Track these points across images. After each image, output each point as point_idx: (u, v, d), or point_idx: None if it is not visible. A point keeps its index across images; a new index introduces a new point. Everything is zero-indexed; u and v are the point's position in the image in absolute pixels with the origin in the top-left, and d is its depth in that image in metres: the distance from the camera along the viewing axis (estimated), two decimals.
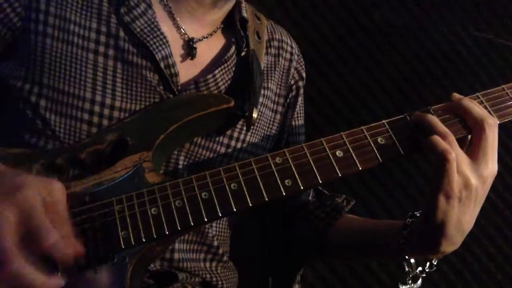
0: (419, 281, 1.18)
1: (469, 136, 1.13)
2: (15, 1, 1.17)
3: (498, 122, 1.13)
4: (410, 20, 2.23)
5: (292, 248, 1.46)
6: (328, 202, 1.43)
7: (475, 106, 1.12)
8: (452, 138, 1.08)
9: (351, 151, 1.10)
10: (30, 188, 0.88)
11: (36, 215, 0.86)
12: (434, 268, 1.17)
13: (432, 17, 2.24)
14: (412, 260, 1.17)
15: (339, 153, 1.10)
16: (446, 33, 2.21)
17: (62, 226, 0.90)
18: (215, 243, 1.34)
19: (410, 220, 1.17)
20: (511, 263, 2.32)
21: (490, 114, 1.14)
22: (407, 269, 1.17)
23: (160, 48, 1.21)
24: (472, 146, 1.10)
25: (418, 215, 1.16)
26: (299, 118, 1.52)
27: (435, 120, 1.11)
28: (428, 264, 1.17)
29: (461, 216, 1.07)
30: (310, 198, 1.49)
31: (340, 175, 1.09)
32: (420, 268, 1.17)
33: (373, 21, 2.20)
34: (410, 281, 1.17)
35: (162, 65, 1.20)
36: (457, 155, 1.05)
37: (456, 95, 1.17)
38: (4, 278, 0.83)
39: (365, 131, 1.13)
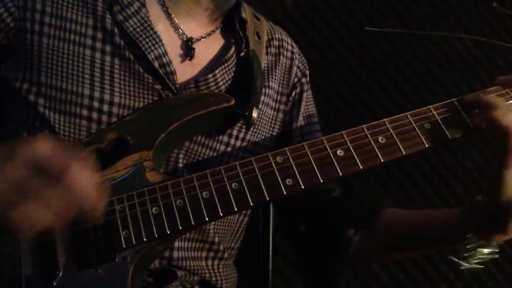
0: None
1: None
2: (9, 1, 1.18)
3: None
4: (410, 21, 2.23)
5: (332, 251, 1.42)
6: (364, 196, 1.40)
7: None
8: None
9: (352, 150, 1.10)
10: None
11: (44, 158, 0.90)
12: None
13: (432, 18, 2.25)
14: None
15: (340, 152, 1.10)
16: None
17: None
18: (216, 239, 1.34)
19: (472, 204, 1.16)
20: (511, 263, 2.32)
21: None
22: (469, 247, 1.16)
23: (153, 47, 1.21)
24: None
25: (479, 199, 1.15)
26: (311, 117, 1.50)
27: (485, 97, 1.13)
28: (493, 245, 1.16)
29: None
30: (339, 195, 1.43)
31: (341, 174, 1.09)
32: (486, 250, 1.16)
33: (373, 21, 2.20)
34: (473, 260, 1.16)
35: (156, 64, 1.20)
36: None
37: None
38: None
39: (365, 130, 1.12)
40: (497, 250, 1.16)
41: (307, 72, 1.52)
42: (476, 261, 1.17)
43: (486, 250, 1.16)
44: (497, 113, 1.09)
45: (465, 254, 1.17)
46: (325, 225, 1.43)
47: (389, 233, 1.33)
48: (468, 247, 1.15)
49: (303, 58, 1.53)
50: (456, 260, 1.18)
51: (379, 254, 1.45)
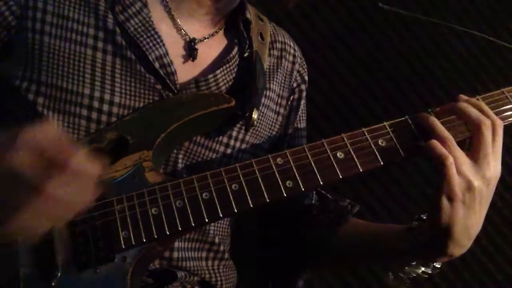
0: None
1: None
2: None
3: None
4: (411, 20, 2.23)
5: (294, 253, 1.44)
6: (332, 206, 1.41)
7: (471, 108, 1.12)
8: (451, 141, 1.08)
9: (352, 153, 1.10)
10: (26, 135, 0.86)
11: (48, 145, 0.85)
12: (437, 270, 1.18)
13: (433, 17, 2.24)
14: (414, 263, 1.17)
15: (340, 154, 1.10)
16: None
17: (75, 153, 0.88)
18: (216, 240, 1.33)
19: (416, 223, 1.16)
20: (511, 263, 2.32)
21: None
22: (406, 269, 1.18)
23: (153, 48, 1.20)
24: (472, 148, 1.10)
25: (425, 218, 1.15)
26: (301, 122, 1.51)
27: (435, 122, 1.11)
28: (432, 266, 1.17)
29: (467, 219, 1.07)
30: (313, 202, 1.47)
31: (340, 176, 1.09)
32: (423, 269, 1.17)
33: (373, 21, 2.20)
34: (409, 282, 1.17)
35: (157, 65, 1.20)
36: (457, 158, 1.05)
37: (461, 97, 1.16)
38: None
39: (366, 133, 1.12)
40: (430, 271, 1.18)
41: (307, 78, 1.52)
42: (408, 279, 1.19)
43: (420, 270, 1.17)
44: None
45: (400, 274, 1.19)
46: (291, 228, 1.44)
47: (344, 244, 1.34)
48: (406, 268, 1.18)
49: (304, 63, 1.53)
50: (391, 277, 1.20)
51: (335, 263, 1.49)
